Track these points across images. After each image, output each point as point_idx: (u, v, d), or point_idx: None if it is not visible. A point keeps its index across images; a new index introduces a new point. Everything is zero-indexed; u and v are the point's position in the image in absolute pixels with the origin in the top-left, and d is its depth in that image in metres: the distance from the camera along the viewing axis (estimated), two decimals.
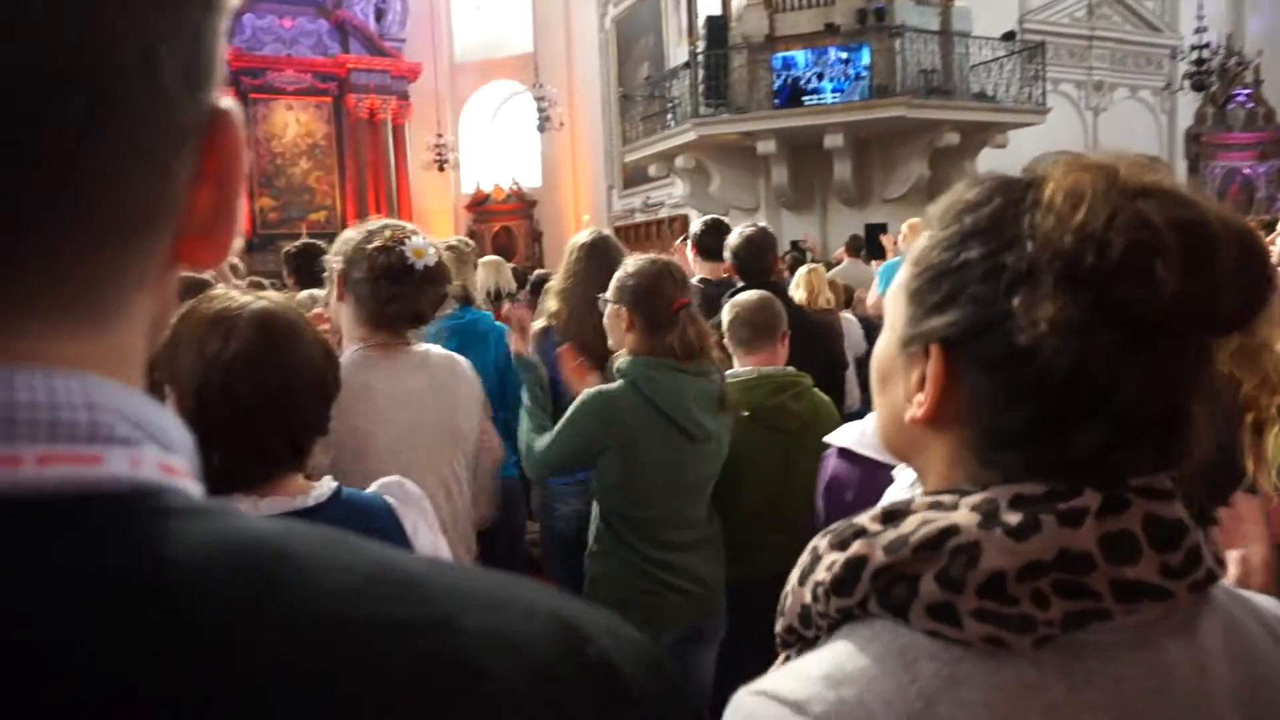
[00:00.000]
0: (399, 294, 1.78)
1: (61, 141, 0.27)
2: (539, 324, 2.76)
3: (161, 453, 0.30)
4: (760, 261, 3.23)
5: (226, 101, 0.34)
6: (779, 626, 0.63)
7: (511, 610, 0.31)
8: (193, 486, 0.32)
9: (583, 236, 2.84)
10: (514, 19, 18.89)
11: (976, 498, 0.55)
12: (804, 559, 0.61)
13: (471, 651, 0.29)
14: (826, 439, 1.92)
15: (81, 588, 0.26)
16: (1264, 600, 0.64)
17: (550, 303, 2.76)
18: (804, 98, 11.27)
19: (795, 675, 0.55)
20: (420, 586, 0.31)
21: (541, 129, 16.46)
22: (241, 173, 0.35)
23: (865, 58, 11.06)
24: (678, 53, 13.98)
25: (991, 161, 11.52)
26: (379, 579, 0.30)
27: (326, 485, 1.22)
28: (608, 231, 3.01)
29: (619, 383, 2.07)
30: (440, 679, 0.28)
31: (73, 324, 0.30)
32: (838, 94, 11.19)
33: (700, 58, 11.85)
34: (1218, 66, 14.64)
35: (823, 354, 3.11)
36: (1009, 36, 12.46)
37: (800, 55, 11.34)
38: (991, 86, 11.95)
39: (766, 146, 11.43)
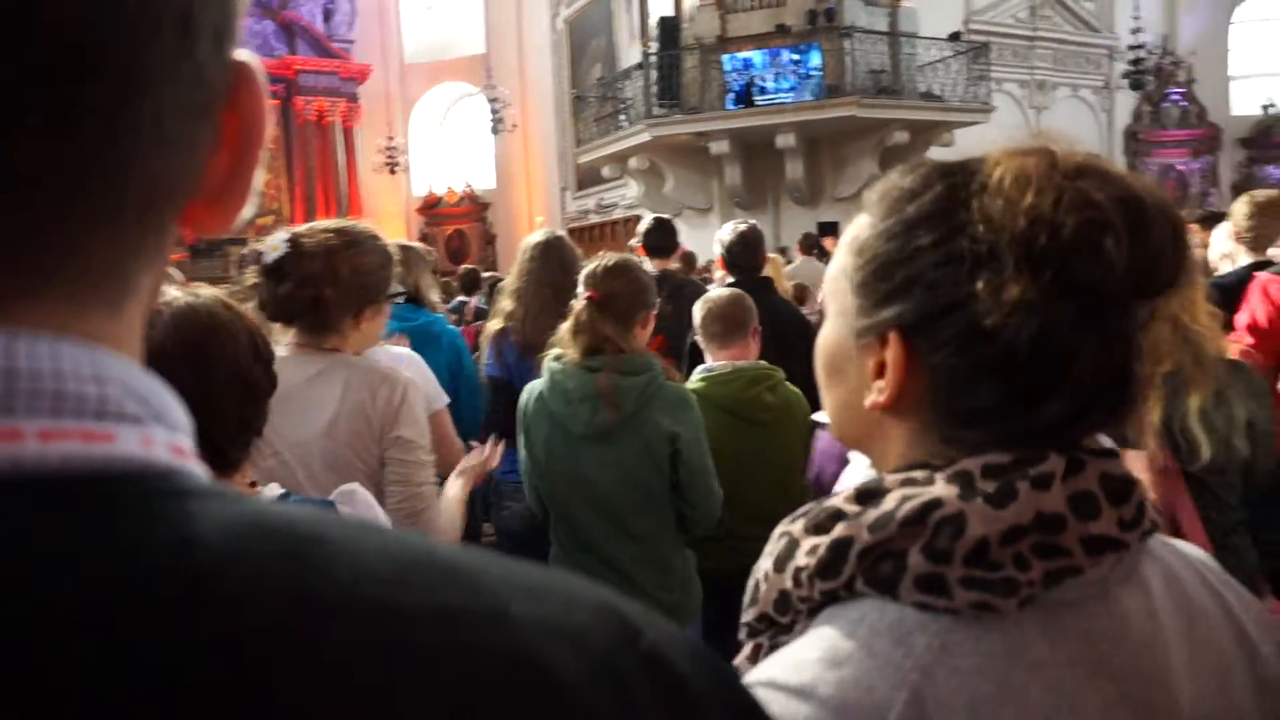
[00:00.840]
0: (261, 288, 1.66)
1: (91, 116, 0.26)
2: (494, 324, 2.74)
3: (169, 433, 0.28)
4: (752, 257, 3.39)
5: (245, 54, 0.31)
6: (748, 616, 0.63)
7: (555, 599, 0.29)
8: (200, 470, 0.29)
9: (536, 236, 2.84)
10: (465, 20, 18.77)
11: (950, 471, 0.57)
12: (777, 545, 0.61)
13: (528, 643, 0.27)
14: (814, 417, 1.94)
15: (111, 575, 0.24)
16: (1186, 546, 0.68)
17: (505, 303, 2.75)
18: (756, 98, 11.37)
19: (789, 663, 0.55)
20: (461, 573, 0.28)
21: (495, 131, 16.37)
22: (263, 134, 0.32)
23: (815, 58, 11.20)
24: (630, 54, 14.02)
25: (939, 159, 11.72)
26: (418, 565, 0.28)
27: (272, 491, 1.18)
28: (561, 232, 3.01)
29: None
30: (502, 673, 0.26)
31: (84, 301, 0.28)
32: (789, 94, 11.31)
33: (653, 59, 11.88)
34: (1153, 66, 15.12)
35: (806, 346, 3.25)
36: (955, 37, 12.72)
37: (753, 56, 11.44)
38: (938, 86, 12.18)
39: (720, 147, 11.50)
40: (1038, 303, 0.53)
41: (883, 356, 0.60)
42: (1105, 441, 0.60)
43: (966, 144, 12.78)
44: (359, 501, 1.32)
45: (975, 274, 0.55)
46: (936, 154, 12.10)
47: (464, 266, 8.75)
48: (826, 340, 0.67)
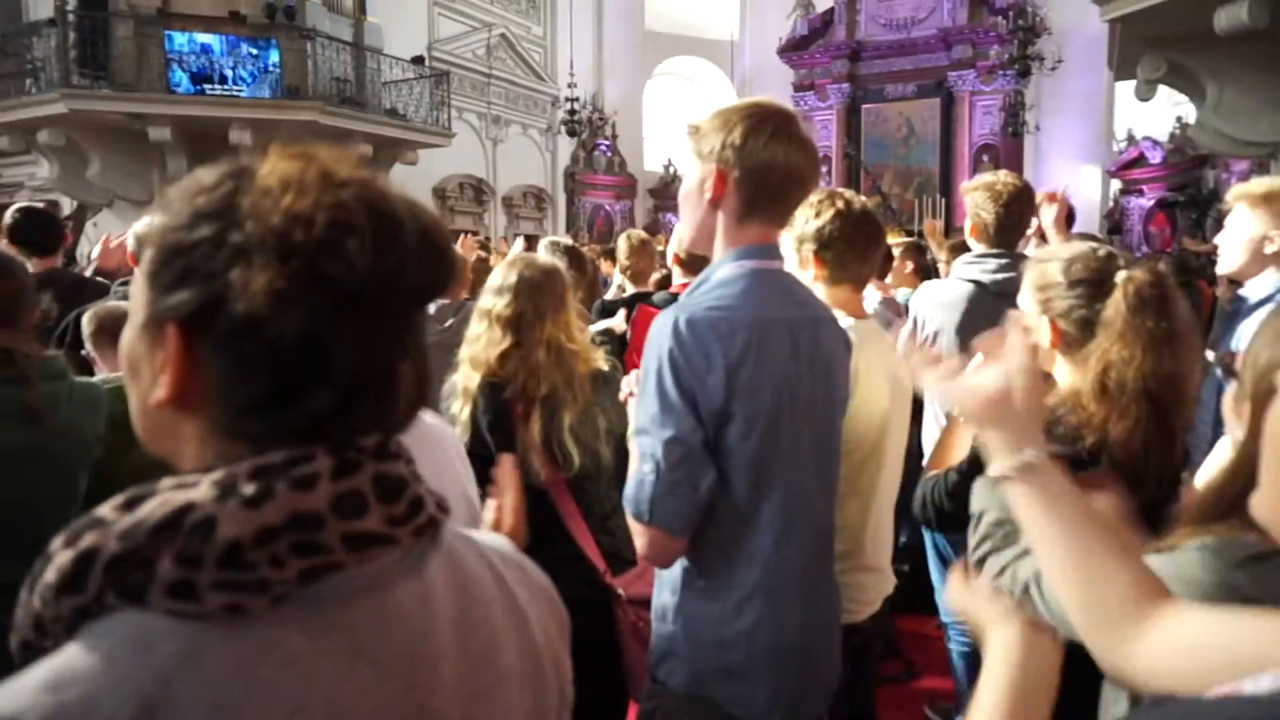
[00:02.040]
0: None
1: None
2: None
3: None
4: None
5: None
6: (13, 645, 0.57)
7: None
8: None
9: None
10: None
11: (219, 474, 0.56)
12: (37, 564, 0.56)
13: None
14: None
15: None
16: (487, 537, 0.77)
17: None
18: (206, 85, 10.37)
19: (13, 689, 0.51)
20: None
21: None
22: None
23: (274, 54, 10.63)
24: (39, 4, 11.68)
25: (404, 177, 12.04)
26: None
27: None
28: None
29: None
30: None
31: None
32: (245, 87, 10.55)
33: (71, 17, 10.08)
34: (586, 118, 17.53)
35: None
36: (418, 60, 13.19)
37: (210, 41, 10.40)
38: (403, 105, 12.50)
39: (160, 133, 10.22)
40: (293, 296, 0.55)
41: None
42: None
43: (429, 165, 13.38)
44: None
45: (232, 264, 0.56)
46: (400, 171, 12.42)
47: None
48: (125, 337, 0.63)
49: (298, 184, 0.58)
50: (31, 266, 2.98)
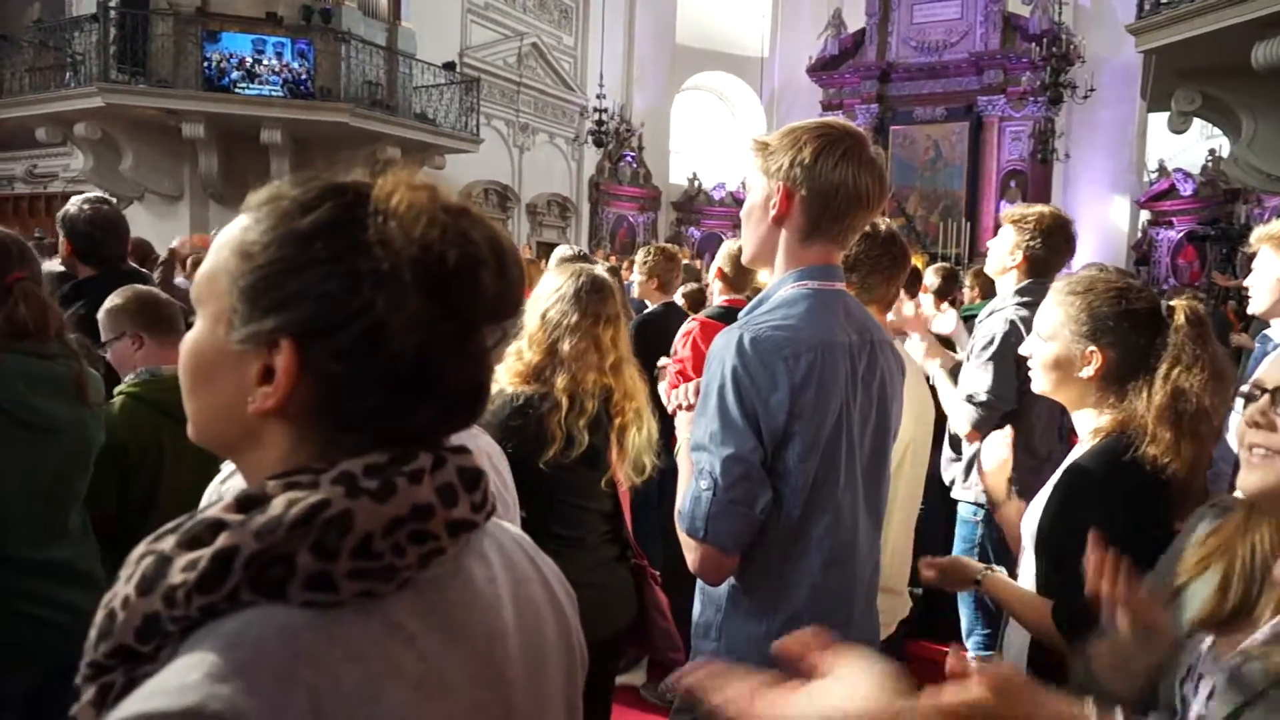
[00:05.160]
0: None
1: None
2: None
3: None
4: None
5: None
6: (96, 654, 0.57)
7: None
8: None
9: None
10: None
11: (334, 473, 0.59)
12: (139, 567, 0.57)
13: None
14: None
15: None
16: (509, 526, 0.81)
17: None
18: (240, 85, 10.51)
19: (169, 688, 0.51)
20: None
21: None
22: None
23: (309, 56, 10.76)
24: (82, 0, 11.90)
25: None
26: None
27: None
28: None
29: None
30: None
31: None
32: (277, 87, 10.68)
33: (113, 14, 10.25)
34: (613, 129, 17.61)
35: None
36: (449, 66, 13.30)
37: (239, 39, 10.55)
38: (433, 110, 12.61)
39: (194, 130, 10.37)
40: (422, 320, 0.59)
41: (270, 362, 0.60)
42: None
43: (455, 170, 13.47)
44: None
45: (376, 290, 0.58)
46: (428, 175, 12.50)
47: None
48: (199, 343, 0.64)
49: (427, 213, 0.61)
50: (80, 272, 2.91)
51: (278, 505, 0.57)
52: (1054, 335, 1.55)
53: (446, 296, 0.60)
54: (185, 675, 0.52)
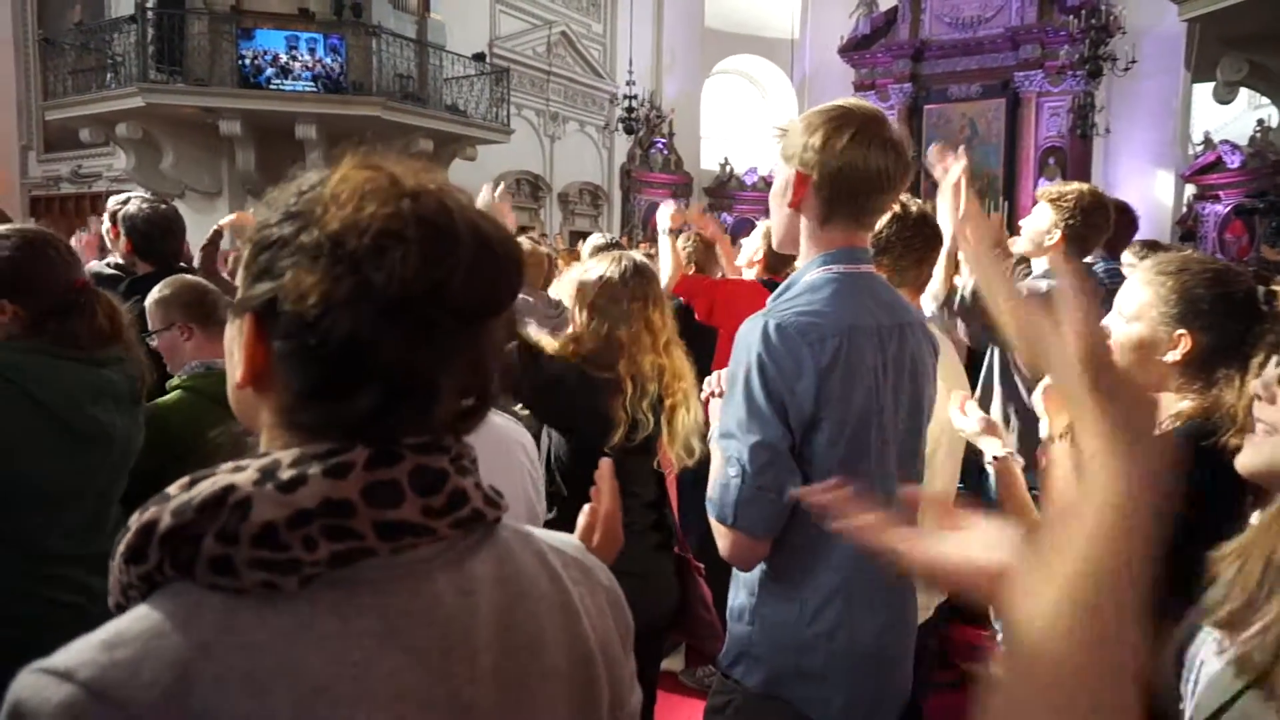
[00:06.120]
0: None
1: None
2: None
3: None
4: None
5: None
6: (110, 603, 0.61)
7: None
8: None
9: None
10: None
11: (266, 459, 0.60)
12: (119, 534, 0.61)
13: None
14: None
15: None
16: (555, 536, 0.78)
17: None
18: (275, 81, 10.64)
19: (78, 646, 0.55)
20: None
21: None
22: None
23: (341, 51, 10.86)
24: (121, 1, 12.11)
25: (462, 172, 12.21)
26: None
27: None
28: None
29: None
30: None
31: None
32: (311, 83, 10.80)
33: (150, 15, 10.43)
34: (643, 116, 17.53)
35: None
36: (480, 57, 13.34)
37: (273, 35, 10.68)
38: (464, 101, 12.66)
39: (231, 127, 10.53)
40: (342, 299, 0.58)
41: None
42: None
43: (487, 160, 13.53)
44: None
45: (304, 268, 0.59)
46: (460, 167, 12.58)
47: None
48: (229, 326, 0.68)
49: (364, 192, 0.61)
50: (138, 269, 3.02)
51: (201, 485, 0.59)
52: (1139, 316, 1.49)
53: (358, 275, 0.58)
54: (92, 638, 0.55)
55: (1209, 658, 0.99)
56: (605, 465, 1.16)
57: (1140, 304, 1.50)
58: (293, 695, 0.55)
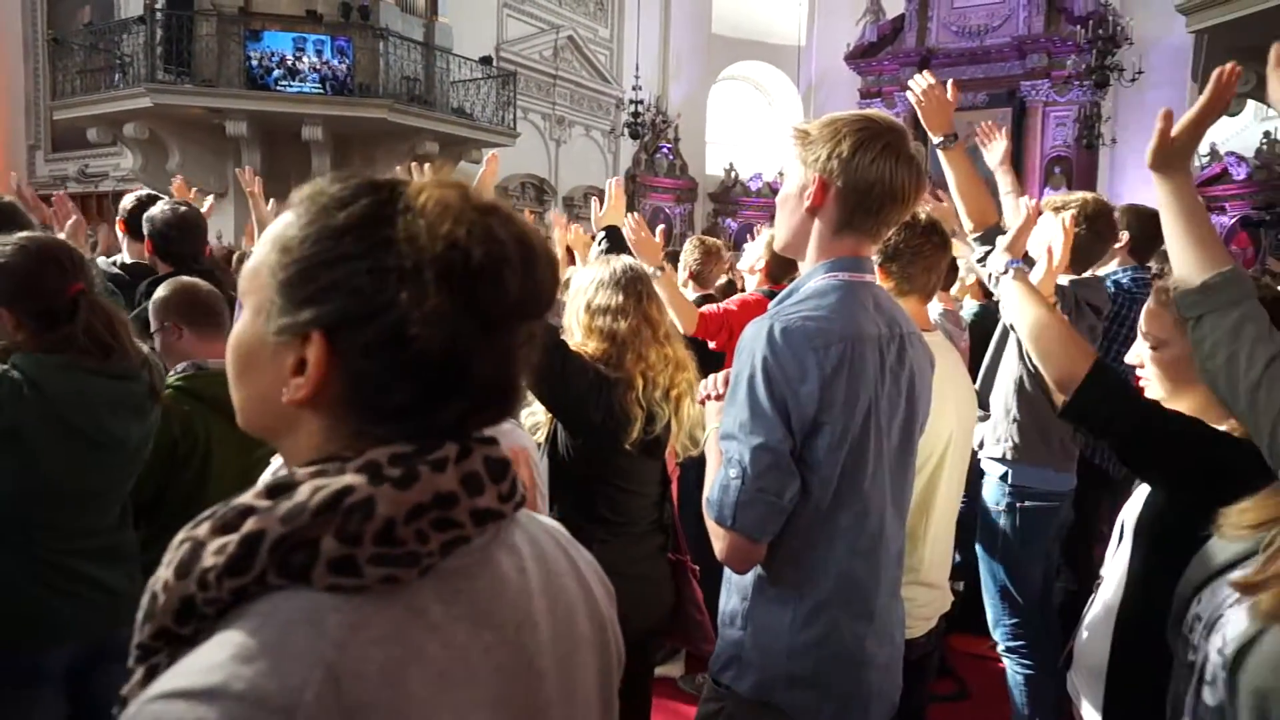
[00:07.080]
0: None
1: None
2: None
3: None
4: None
5: None
6: (142, 635, 0.60)
7: None
8: None
9: None
10: None
11: (360, 461, 0.61)
12: (178, 552, 0.60)
13: None
14: None
15: None
16: (542, 517, 0.82)
17: None
18: (282, 83, 10.68)
19: (197, 668, 0.54)
20: None
21: None
22: None
23: (348, 53, 10.90)
24: (130, 2, 12.16)
25: (469, 175, 12.21)
26: None
27: None
28: (10, 197, 2.52)
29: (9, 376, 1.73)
30: None
31: None
32: (318, 84, 10.83)
33: (159, 15, 10.47)
34: (649, 121, 17.55)
35: None
36: (486, 61, 13.37)
37: (280, 37, 10.72)
38: (470, 105, 12.69)
39: (237, 128, 10.57)
40: (446, 315, 0.60)
41: (303, 354, 0.62)
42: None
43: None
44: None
45: (399, 286, 0.60)
46: (466, 170, 12.61)
47: None
48: (243, 335, 0.67)
49: (454, 211, 0.62)
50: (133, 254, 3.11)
51: (304, 491, 0.59)
52: (1169, 339, 1.49)
53: (470, 293, 0.61)
54: (213, 655, 0.54)
55: (1227, 607, 1.05)
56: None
57: (1168, 326, 1.50)
58: (422, 681, 0.58)
